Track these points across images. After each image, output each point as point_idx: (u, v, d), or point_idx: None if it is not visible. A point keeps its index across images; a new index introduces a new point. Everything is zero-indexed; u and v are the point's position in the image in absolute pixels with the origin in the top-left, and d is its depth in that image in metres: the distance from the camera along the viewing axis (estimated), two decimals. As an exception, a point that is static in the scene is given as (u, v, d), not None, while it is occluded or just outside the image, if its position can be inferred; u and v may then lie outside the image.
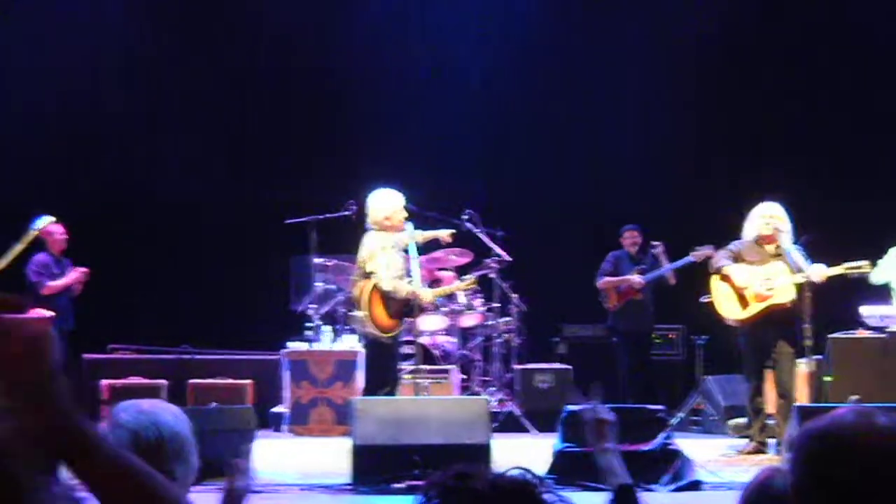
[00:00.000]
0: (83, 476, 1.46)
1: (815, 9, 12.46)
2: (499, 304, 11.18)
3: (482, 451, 7.12)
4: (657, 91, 12.84)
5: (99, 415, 8.74)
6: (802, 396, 9.19)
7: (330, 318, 10.79)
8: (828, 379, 9.37)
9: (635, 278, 11.00)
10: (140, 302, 11.35)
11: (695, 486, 7.13)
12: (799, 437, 1.73)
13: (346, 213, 10.03)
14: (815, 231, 8.80)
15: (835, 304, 9.20)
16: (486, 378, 11.28)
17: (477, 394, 10.71)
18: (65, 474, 1.50)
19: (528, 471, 1.66)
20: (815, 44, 12.47)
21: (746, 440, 8.84)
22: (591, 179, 13.01)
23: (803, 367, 9.12)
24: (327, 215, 10.39)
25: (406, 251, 8.52)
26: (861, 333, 9.69)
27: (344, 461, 7.35)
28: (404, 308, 8.49)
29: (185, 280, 12.00)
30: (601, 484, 3.02)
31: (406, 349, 9.58)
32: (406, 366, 9.67)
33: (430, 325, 10.97)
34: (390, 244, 8.46)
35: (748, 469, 7.43)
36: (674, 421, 9.45)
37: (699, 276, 9.31)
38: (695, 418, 10.83)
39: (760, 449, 8.61)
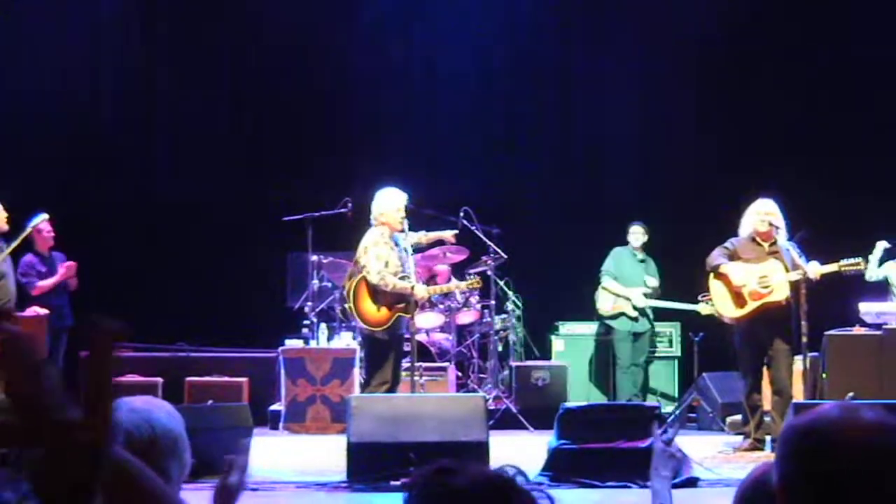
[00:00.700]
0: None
1: (815, 9, 12.45)
2: (495, 302, 11.18)
3: (480, 449, 7.12)
4: (657, 91, 12.83)
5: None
6: (798, 393, 9.19)
7: (326, 316, 10.80)
8: (825, 376, 9.37)
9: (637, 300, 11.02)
10: (136, 299, 11.33)
11: (692, 482, 7.14)
12: (784, 432, 1.74)
13: (343, 210, 10.06)
14: (809, 228, 8.80)
15: (831, 301, 9.21)
16: (483, 375, 11.28)
17: (473, 391, 10.71)
18: None
19: (516, 468, 1.64)
20: (815, 44, 12.46)
21: (743, 437, 8.85)
22: (590, 178, 13.00)
23: (799, 364, 9.14)
24: (324, 213, 10.42)
25: (406, 250, 8.57)
26: (858, 330, 9.68)
27: (340, 459, 7.37)
28: (395, 302, 8.50)
29: (181, 277, 11.99)
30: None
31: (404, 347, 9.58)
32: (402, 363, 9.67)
33: (427, 322, 10.98)
34: (389, 240, 8.49)
35: (745, 466, 7.45)
36: (671, 418, 9.45)
37: (698, 276, 9.29)
38: (691, 415, 10.83)
39: (757, 446, 8.63)
